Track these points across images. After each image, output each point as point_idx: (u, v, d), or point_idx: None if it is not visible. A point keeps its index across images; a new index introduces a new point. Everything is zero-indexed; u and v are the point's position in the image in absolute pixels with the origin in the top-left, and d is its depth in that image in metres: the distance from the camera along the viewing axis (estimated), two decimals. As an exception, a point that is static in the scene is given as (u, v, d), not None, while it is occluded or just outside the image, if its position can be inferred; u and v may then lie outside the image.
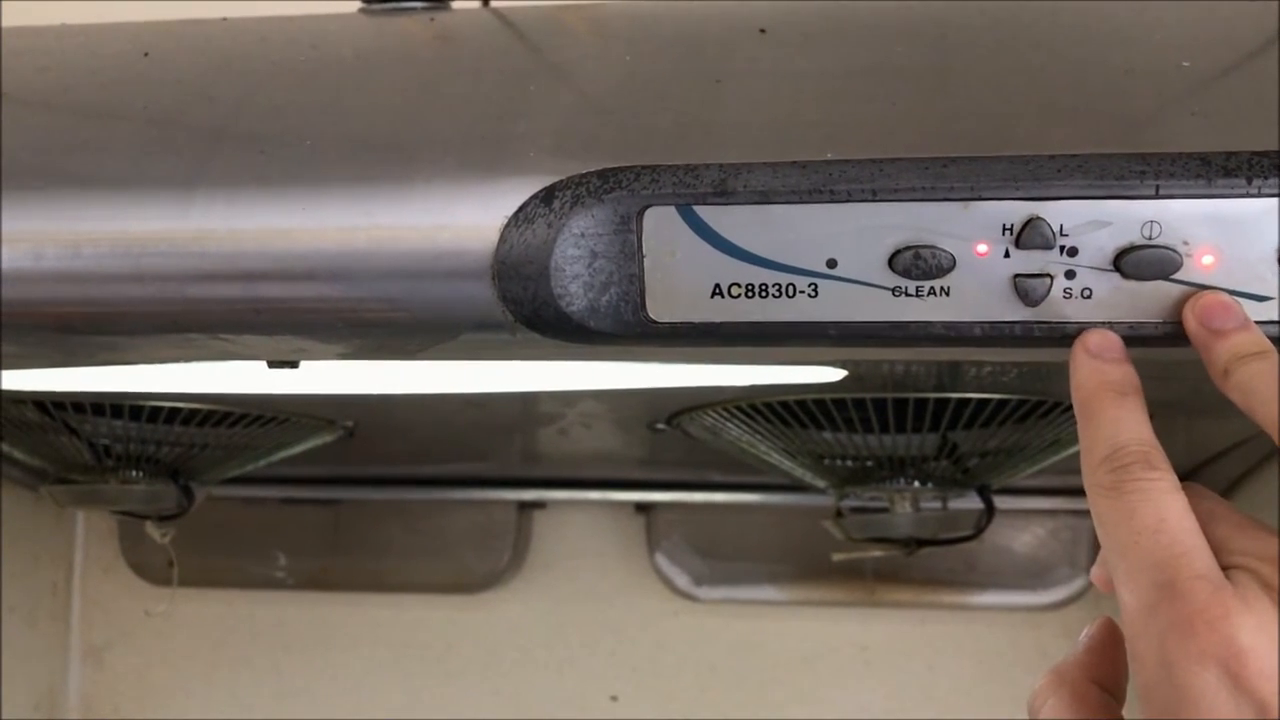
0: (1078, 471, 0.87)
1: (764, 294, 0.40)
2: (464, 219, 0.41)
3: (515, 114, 0.44)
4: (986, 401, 0.68)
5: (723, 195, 0.40)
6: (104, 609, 1.20)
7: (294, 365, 0.49)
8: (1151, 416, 0.72)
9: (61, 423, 0.78)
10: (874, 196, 0.39)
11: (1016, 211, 0.39)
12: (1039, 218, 0.39)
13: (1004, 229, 0.39)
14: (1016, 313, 0.40)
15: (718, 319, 0.41)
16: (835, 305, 0.40)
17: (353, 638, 1.16)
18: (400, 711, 1.15)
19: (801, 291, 0.40)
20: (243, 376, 0.67)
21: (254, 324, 0.43)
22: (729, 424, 0.74)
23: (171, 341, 0.44)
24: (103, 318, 0.43)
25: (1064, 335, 0.40)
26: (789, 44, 0.47)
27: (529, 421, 0.80)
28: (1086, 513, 1.11)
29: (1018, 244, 0.39)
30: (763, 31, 0.49)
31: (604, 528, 1.12)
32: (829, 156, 0.39)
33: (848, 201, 0.39)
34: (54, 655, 1.18)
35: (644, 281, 0.41)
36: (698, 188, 0.40)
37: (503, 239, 0.40)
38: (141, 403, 0.76)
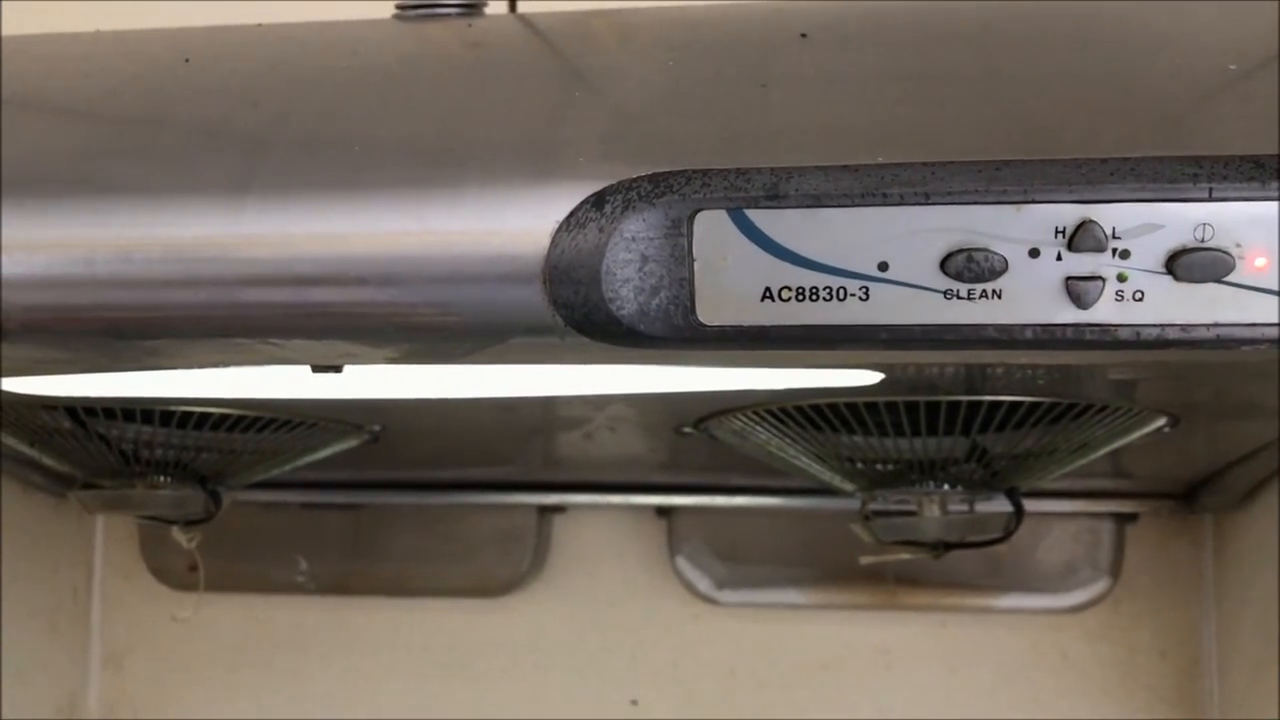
0: (1101, 474, 0.87)
1: (815, 297, 0.40)
2: (515, 224, 0.41)
3: (561, 119, 0.44)
4: (1017, 405, 0.68)
5: (774, 199, 0.40)
6: (124, 615, 1.20)
7: (338, 370, 0.49)
8: (1176, 422, 0.72)
9: (90, 428, 0.79)
10: (926, 199, 0.39)
11: (1069, 214, 0.39)
12: (1091, 220, 0.39)
13: (1056, 232, 0.39)
14: (1069, 315, 0.40)
15: (768, 322, 0.41)
16: (887, 308, 0.40)
17: (372, 642, 1.16)
18: (420, 715, 1.15)
19: (853, 295, 0.40)
20: (273, 381, 0.67)
21: (304, 328, 0.43)
22: (757, 428, 0.74)
23: (219, 346, 0.44)
24: (152, 323, 0.43)
25: (1116, 339, 0.40)
26: (831, 48, 0.48)
27: (556, 425, 0.80)
28: (1109, 515, 1.10)
29: (1070, 247, 0.39)
30: (804, 36, 0.49)
31: (624, 531, 1.12)
32: (880, 160, 0.39)
33: (900, 204, 0.39)
34: (74, 661, 1.18)
35: (694, 285, 0.41)
36: (749, 191, 0.40)
37: (554, 243, 0.40)
38: (170, 408, 0.76)
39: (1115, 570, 1.04)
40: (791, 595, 1.07)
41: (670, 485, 1.06)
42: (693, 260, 0.41)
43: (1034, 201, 0.39)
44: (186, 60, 0.52)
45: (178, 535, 0.86)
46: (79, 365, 0.49)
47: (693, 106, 0.44)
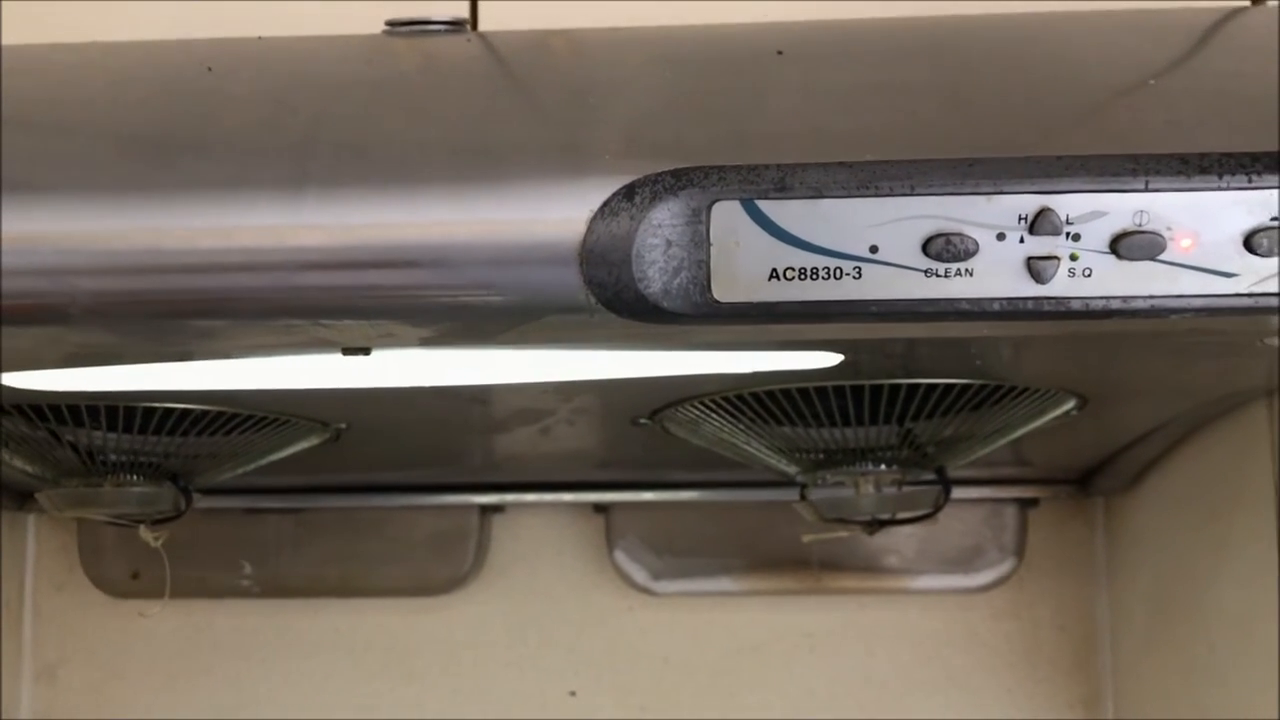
0: (1005, 463, 0.94)
1: (814, 276, 0.47)
2: (554, 213, 0.46)
3: (581, 123, 0.50)
4: (948, 389, 0.75)
5: (781, 191, 0.46)
6: (56, 626, 1.20)
7: (367, 352, 0.53)
8: (1084, 403, 0.80)
9: (58, 429, 0.80)
10: (911, 191, 0.46)
11: (1030, 203, 0.46)
12: (1049, 208, 0.46)
13: (1019, 218, 0.46)
14: (1029, 289, 0.47)
15: (774, 299, 0.47)
16: (876, 285, 0.47)
17: (313, 644, 1.19)
18: (361, 714, 1.18)
19: (847, 274, 0.47)
20: (251, 375, 0.70)
21: (357, 309, 0.47)
22: (710, 417, 0.80)
23: (271, 329, 0.48)
24: (214, 306, 0.47)
25: (1069, 310, 0.47)
26: (807, 63, 0.54)
27: (520, 419, 0.84)
28: (1013, 500, 1.19)
29: (1031, 231, 0.46)
30: (780, 53, 0.55)
31: (563, 528, 1.17)
32: (870, 158, 0.46)
33: (889, 196, 0.46)
34: (7, 673, 1.18)
35: (710, 266, 0.47)
36: (760, 185, 0.46)
37: (590, 229, 0.46)
38: (141, 403, 0.78)
39: (1020, 551, 1.13)
40: (724, 583, 1.13)
41: (608, 483, 1.11)
42: (710, 245, 0.47)
43: (1001, 193, 0.46)
44: (209, 69, 0.56)
45: (145, 534, 0.88)
46: (130, 351, 0.53)
47: (698, 111, 0.50)
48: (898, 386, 0.76)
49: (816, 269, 0.47)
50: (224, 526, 1.14)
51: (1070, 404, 0.80)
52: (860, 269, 0.47)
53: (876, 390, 0.76)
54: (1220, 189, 0.45)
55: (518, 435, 0.92)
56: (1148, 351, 0.60)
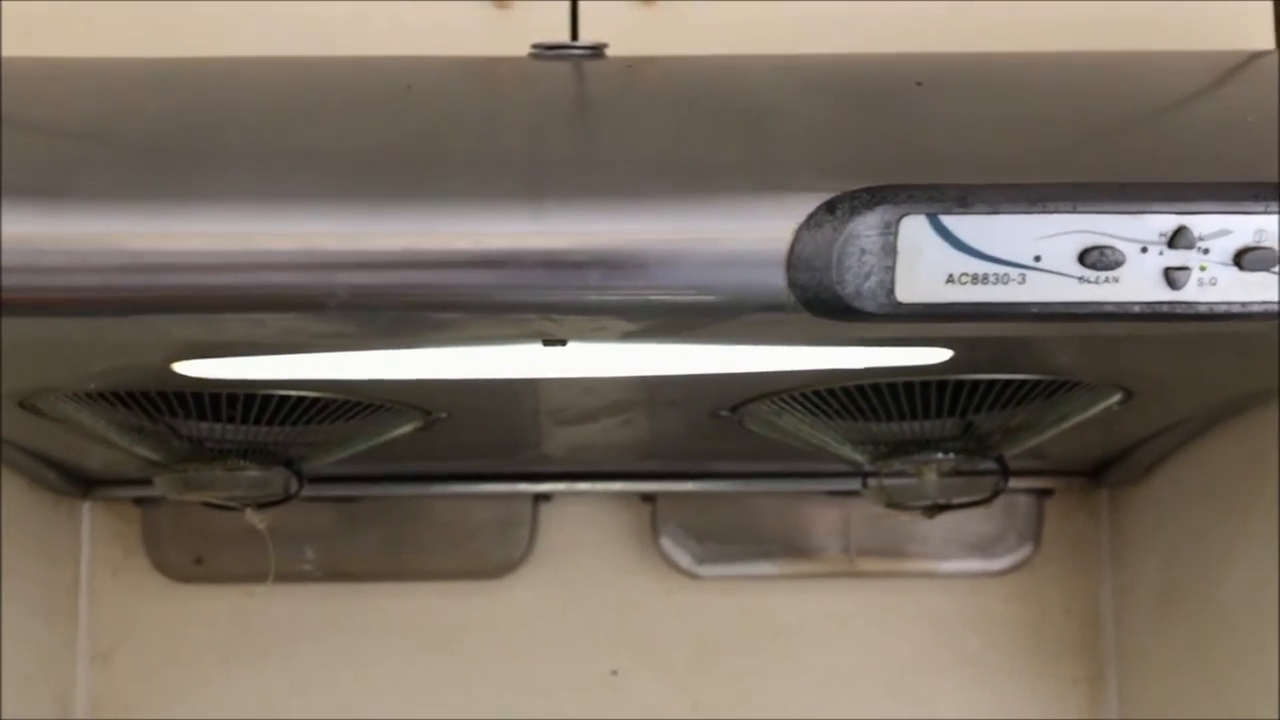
0: (1027, 455, 1.02)
1: (985, 281, 0.54)
2: (763, 223, 0.53)
3: (772, 143, 0.57)
4: (1010, 383, 0.83)
5: (962, 207, 0.53)
6: (112, 610, 1.23)
7: (564, 344, 0.60)
8: (1129, 396, 0.88)
9: (170, 417, 0.85)
10: (1073, 209, 0.53)
11: (1170, 222, 0.54)
12: (1186, 226, 0.54)
13: (1160, 234, 0.54)
14: (1165, 295, 0.55)
15: (949, 300, 0.54)
16: (1037, 290, 0.54)
17: (365, 627, 1.24)
18: (412, 695, 1.23)
19: (1013, 279, 0.54)
20: (363, 365, 0.75)
21: (585, 306, 0.54)
22: (794, 409, 0.88)
23: (504, 321, 0.55)
24: (459, 300, 0.53)
25: (1196, 313, 0.55)
26: (950, 92, 0.62)
27: (611, 410, 0.91)
28: (1032, 491, 1.28)
29: (1170, 245, 0.54)
30: (919, 84, 0.63)
31: (610, 516, 1.24)
32: (1039, 180, 0.53)
33: (1054, 213, 0.53)
34: (63, 657, 1.21)
35: (895, 272, 0.54)
36: (944, 201, 0.53)
37: (797, 238, 0.53)
38: (264, 391, 0.82)
39: (1036, 538, 1.22)
40: (762, 567, 1.21)
41: (654, 473, 1.18)
42: (896, 253, 0.54)
43: (1147, 212, 0.53)
44: (409, 88, 0.62)
45: (251, 517, 0.93)
46: (364, 340, 0.58)
47: (876, 135, 0.57)
48: (963, 382, 0.84)
49: (987, 275, 0.54)
50: (283, 514, 1.19)
51: (1117, 397, 0.88)
52: (1025, 275, 0.54)
53: (928, 385, 0.83)
54: (1329, 212, 0.53)
55: (597, 426, 0.98)
56: (1218, 350, 0.68)
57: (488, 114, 0.59)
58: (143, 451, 0.88)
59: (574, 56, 0.68)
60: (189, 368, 0.70)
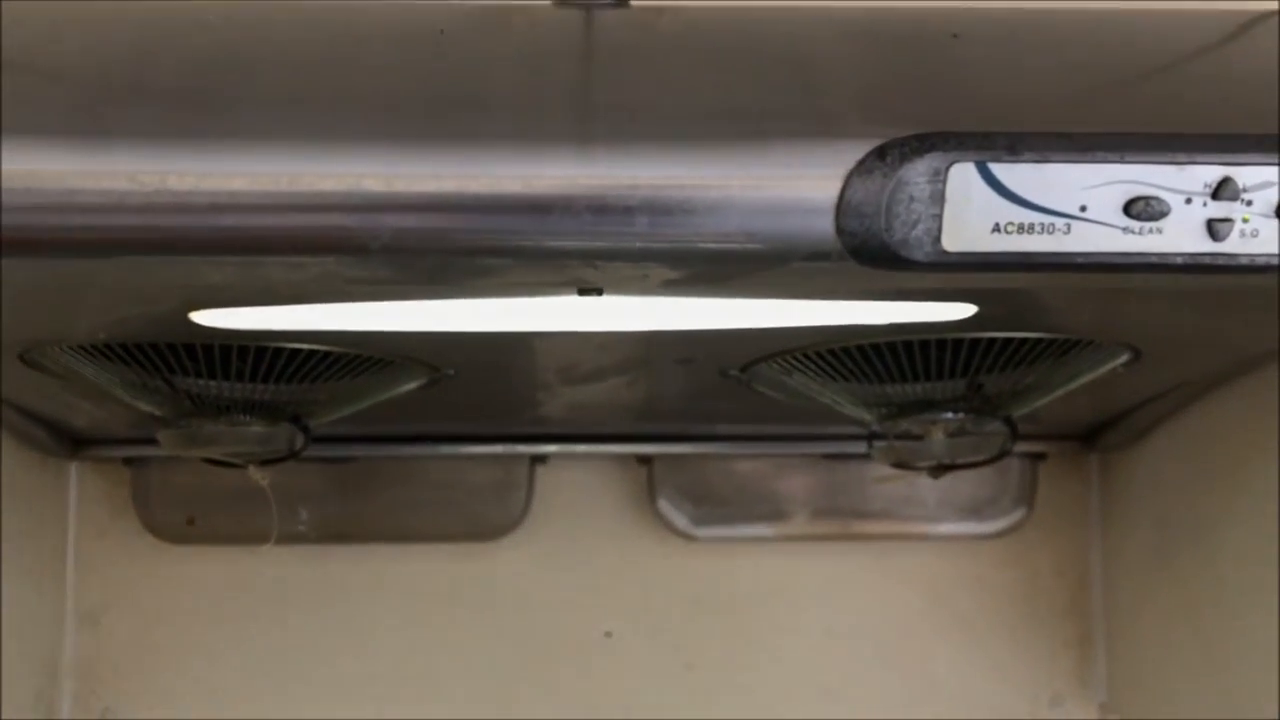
0: (1023, 418, 1.02)
1: (1031, 231, 0.54)
2: (814, 170, 0.53)
3: (812, 90, 0.56)
4: (1024, 341, 0.84)
5: (1011, 155, 0.53)
6: (100, 572, 1.22)
7: (600, 292, 0.59)
8: (1137, 356, 0.88)
9: (176, 367, 0.83)
10: (1121, 159, 0.53)
11: (1214, 174, 0.54)
12: (1230, 178, 0.54)
13: (1204, 185, 0.54)
14: (1207, 246, 0.55)
15: (995, 249, 0.54)
16: (1082, 240, 0.54)
17: (358, 589, 1.23)
18: (406, 658, 1.23)
19: (1059, 229, 0.54)
20: (387, 318, 0.75)
21: (630, 252, 0.53)
22: (806, 368, 0.87)
23: (548, 268, 0.54)
24: (503, 246, 0.53)
25: (1237, 265, 0.55)
26: (988, 44, 0.61)
27: (620, 368, 0.90)
28: (1026, 455, 1.29)
29: (1213, 196, 0.54)
30: (955, 35, 0.62)
31: (605, 478, 1.23)
32: (1088, 129, 0.53)
33: (1102, 163, 0.53)
34: (50, 619, 1.20)
35: (942, 220, 0.54)
36: (993, 149, 0.53)
37: (847, 184, 0.52)
38: (274, 344, 0.81)
39: (1030, 502, 1.23)
40: (759, 529, 1.21)
41: (651, 435, 1.18)
42: (944, 201, 0.53)
43: (1193, 163, 0.54)
44: (441, 31, 0.60)
45: (254, 474, 0.91)
46: (403, 287, 0.57)
47: (922, 83, 0.56)
48: (977, 341, 0.84)
49: (1034, 224, 0.54)
50: (277, 474, 1.17)
51: (1125, 356, 0.89)
52: (1070, 225, 0.54)
53: (944, 344, 0.83)
54: (1370, 167, 0.54)
55: (603, 385, 0.98)
56: (1244, 306, 0.69)
57: (527, 58, 0.58)
58: (146, 406, 0.87)
59: (600, 5, 0.67)
60: (207, 317, 0.69)
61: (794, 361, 0.88)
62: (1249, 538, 0.98)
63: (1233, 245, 0.55)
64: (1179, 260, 0.55)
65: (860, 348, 0.84)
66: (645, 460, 1.21)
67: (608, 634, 1.25)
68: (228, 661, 1.22)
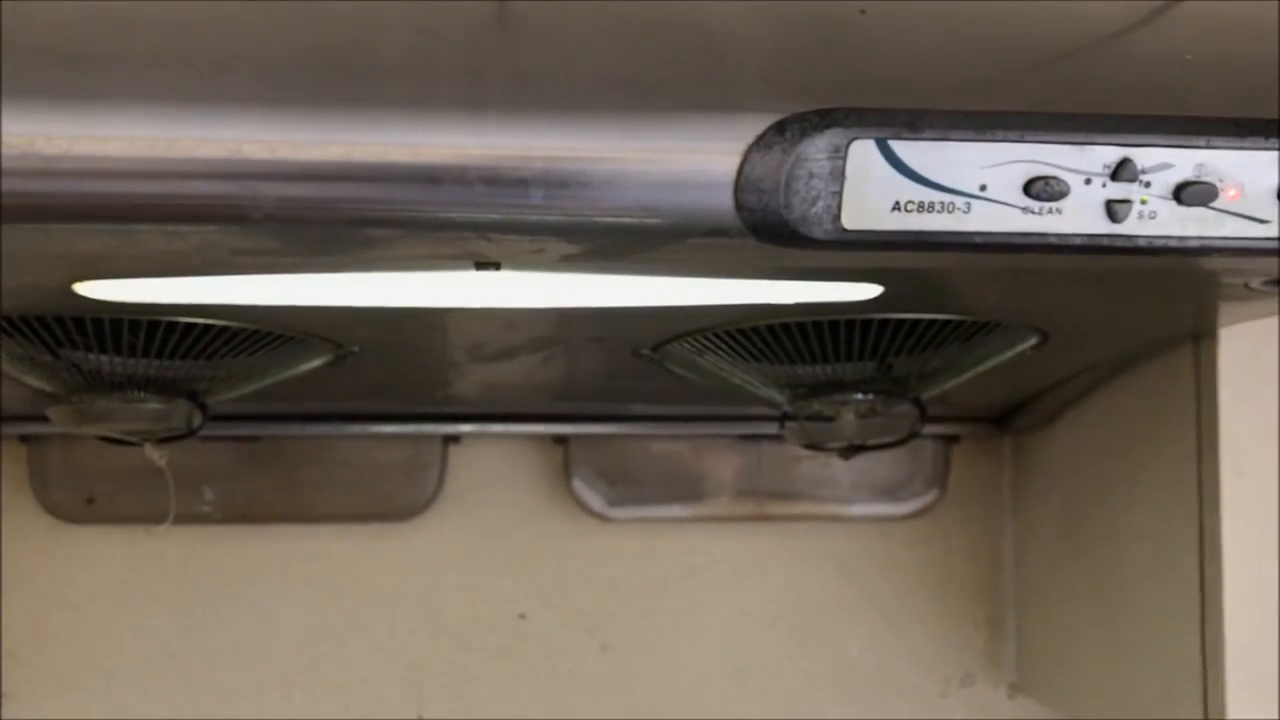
0: (934, 402, 1.03)
1: (931, 210, 0.53)
2: (712, 143, 0.52)
3: (714, 63, 0.55)
4: (931, 323, 0.84)
5: (912, 132, 0.52)
6: (-6, 553, 1.18)
7: (498, 267, 0.57)
8: (1045, 339, 0.89)
9: (65, 341, 0.80)
10: (1021, 139, 0.53)
11: (1114, 154, 0.54)
12: (1129, 159, 0.54)
13: (1104, 166, 0.54)
14: (1106, 228, 0.55)
15: (894, 228, 0.54)
16: (982, 220, 0.54)
17: (265, 570, 1.20)
18: (315, 640, 1.20)
19: (959, 209, 0.54)
20: (264, 289, 0.72)
21: (524, 226, 0.52)
22: (717, 348, 0.87)
23: (439, 240, 0.52)
24: (390, 217, 0.51)
25: (1135, 247, 0.55)
26: (895, 19, 0.61)
27: (532, 346, 0.89)
28: (939, 437, 1.30)
29: (1113, 177, 0.54)
30: (863, 11, 0.62)
31: (518, 459, 1.22)
32: (989, 108, 0.53)
33: (1002, 142, 0.53)
34: (-57, 601, 1.16)
35: (842, 198, 0.53)
36: (894, 126, 0.52)
37: (746, 159, 0.51)
38: (169, 317, 0.79)
39: (942, 484, 1.23)
40: (674, 510, 1.20)
41: (566, 415, 1.17)
42: (844, 178, 0.53)
43: (1093, 143, 0.53)
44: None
45: (150, 452, 0.89)
46: (287, 259, 0.55)
47: (825, 58, 0.55)
48: (885, 323, 0.84)
49: (933, 203, 0.53)
50: (181, 453, 1.15)
51: (1033, 340, 0.89)
52: (970, 204, 0.53)
53: (853, 324, 0.83)
54: (1266, 149, 0.54)
55: (515, 364, 0.96)
56: (1144, 289, 0.69)
57: (420, 22, 0.56)
58: (35, 382, 0.84)
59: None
60: (91, 289, 0.66)
61: (704, 341, 0.87)
62: (1155, 519, 0.99)
63: (1131, 227, 0.55)
64: (1078, 241, 0.55)
65: (770, 328, 0.84)
66: (561, 440, 1.20)
67: (522, 615, 1.24)
68: (129, 645, 1.19)
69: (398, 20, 0.56)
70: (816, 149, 0.52)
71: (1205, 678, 0.92)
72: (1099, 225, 0.55)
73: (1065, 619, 1.17)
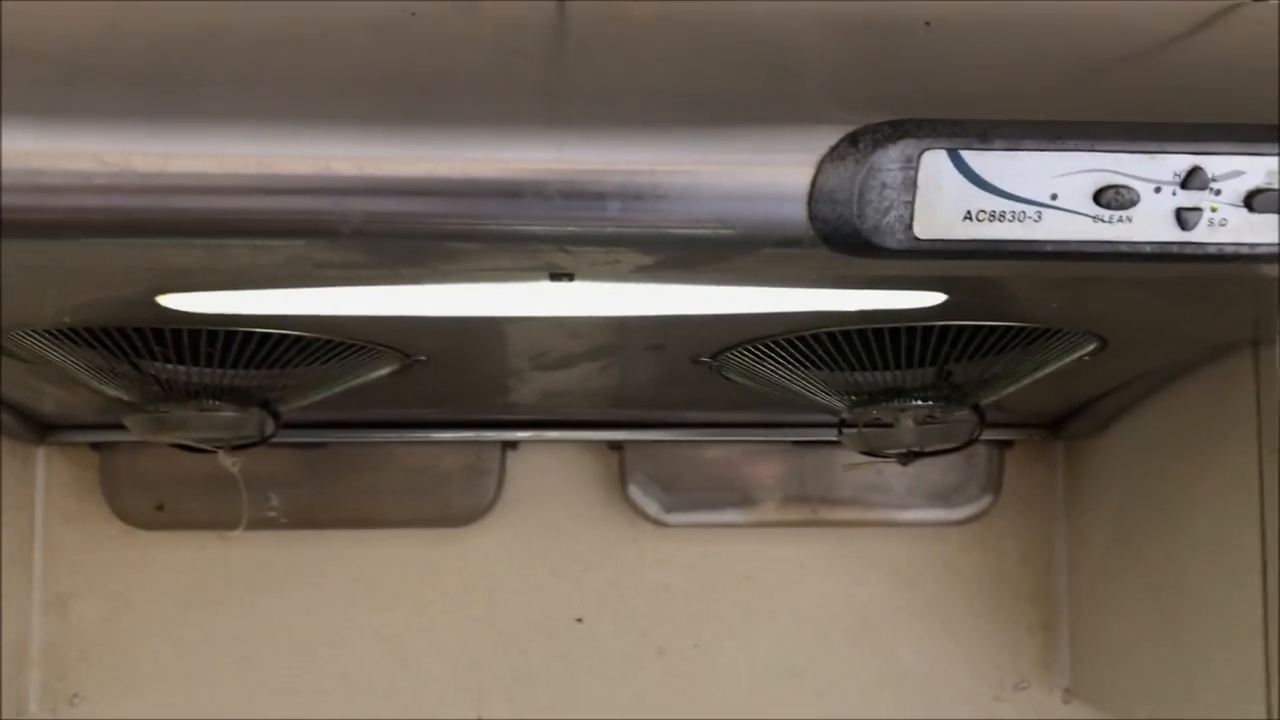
0: (990, 407, 1.03)
1: (1002, 219, 0.54)
2: (786, 155, 0.53)
3: (785, 77, 0.56)
4: (992, 330, 0.84)
5: (983, 142, 0.53)
6: (67, 558, 1.21)
7: (571, 278, 0.59)
8: (1104, 345, 0.89)
9: (144, 351, 0.82)
10: (1091, 148, 0.54)
11: (1184, 163, 0.54)
12: (1200, 167, 0.54)
13: (1174, 174, 0.54)
14: (1176, 235, 0.55)
15: (965, 237, 0.54)
16: (1052, 228, 0.54)
17: (329, 575, 1.22)
18: (376, 644, 1.22)
19: (1029, 218, 0.54)
20: (360, 303, 0.74)
21: (602, 238, 0.53)
22: (777, 355, 0.88)
23: (519, 252, 0.54)
24: (473, 230, 0.52)
25: (1204, 254, 0.56)
26: (960, 32, 0.61)
27: (593, 354, 0.90)
28: (994, 442, 1.30)
29: (1183, 185, 0.55)
30: (928, 24, 0.62)
31: (574, 464, 1.23)
32: (1059, 118, 0.53)
33: (1073, 151, 0.53)
34: (18, 605, 1.18)
35: (914, 207, 0.54)
36: (965, 136, 0.53)
37: (820, 170, 0.52)
38: (244, 328, 0.80)
39: (996, 489, 1.23)
40: (728, 515, 1.21)
41: (622, 421, 1.18)
42: (916, 188, 0.54)
43: (1163, 152, 0.54)
44: (413, 14, 0.60)
45: (224, 459, 0.91)
46: (369, 271, 0.57)
47: (895, 71, 0.56)
48: (946, 329, 0.84)
49: (1004, 212, 0.54)
50: (247, 460, 1.17)
51: (1092, 345, 0.89)
52: (1041, 213, 0.54)
53: (913, 331, 0.83)
54: (1337, 157, 0.54)
55: (575, 371, 0.98)
56: (1208, 296, 0.69)
57: (498, 41, 0.57)
58: (113, 391, 0.86)
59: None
60: (175, 300, 0.68)
61: (764, 349, 0.88)
62: (1214, 524, 0.99)
63: (1201, 234, 0.55)
64: (1148, 249, 0.55)
65: (830, 335, 0.84)
66: (616, 446, 1.21)
67: (579, 620, 1.25)
68: (196, 647, 1.22)
69: (477, 39, 0.58)
70: (889, 159, 0.53)
71: (1268, 682, 0.92)
72: (1169, 233, 0.55)
73: (1121, 623, 1.17)
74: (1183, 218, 0.55)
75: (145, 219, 0.52)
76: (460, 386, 1.04)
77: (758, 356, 0.90)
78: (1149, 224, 0.55)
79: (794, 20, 0.63)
